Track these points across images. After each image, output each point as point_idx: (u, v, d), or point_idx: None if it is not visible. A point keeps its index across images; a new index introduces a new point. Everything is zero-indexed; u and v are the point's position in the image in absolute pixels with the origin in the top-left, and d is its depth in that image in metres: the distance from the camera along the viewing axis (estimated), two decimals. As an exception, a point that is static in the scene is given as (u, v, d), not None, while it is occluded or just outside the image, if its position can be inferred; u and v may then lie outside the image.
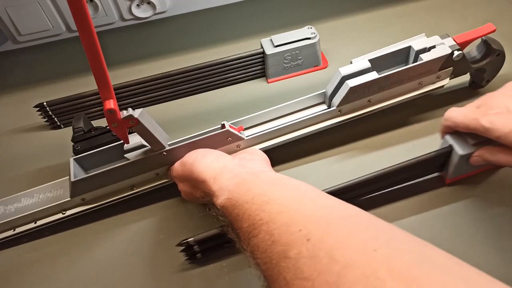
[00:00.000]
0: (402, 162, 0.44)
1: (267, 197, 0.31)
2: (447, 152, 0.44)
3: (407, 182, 0.47)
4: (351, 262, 0.22)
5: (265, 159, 0.44)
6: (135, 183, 0.48)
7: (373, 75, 0.48)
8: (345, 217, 0.27)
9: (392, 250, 0.22)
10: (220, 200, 0.36)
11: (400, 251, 0.22)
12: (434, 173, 0.48)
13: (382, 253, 0.22)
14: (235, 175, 0.37)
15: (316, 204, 0.29)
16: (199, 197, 0.42)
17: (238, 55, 0.62)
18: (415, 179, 0.47)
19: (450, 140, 0.44)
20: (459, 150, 0.42)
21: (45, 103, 0.59)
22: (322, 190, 0.36)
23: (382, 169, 0.44)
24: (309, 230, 0.26)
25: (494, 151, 0.40)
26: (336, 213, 0.27)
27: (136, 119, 0.38)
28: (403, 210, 0.46)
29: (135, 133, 0.42)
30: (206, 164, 0.41)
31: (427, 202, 0.47)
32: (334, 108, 0.49)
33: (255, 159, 0.43)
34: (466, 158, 0.43)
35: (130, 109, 0.38)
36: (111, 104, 0.35)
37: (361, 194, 0.45)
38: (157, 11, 0.77)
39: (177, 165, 0.44)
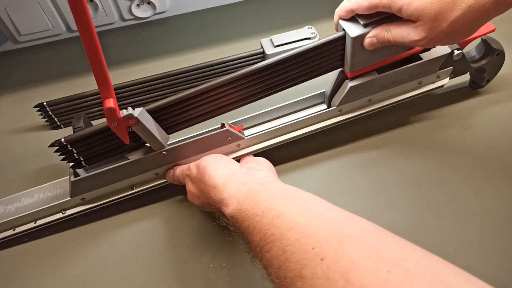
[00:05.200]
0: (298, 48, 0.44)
1: (277, 211, 0.32)
2: (341, 38, 0.43)
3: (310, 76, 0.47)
4: (367, 286, 0.23)
5: (271, 168, 0.44)
6: (134, 182, 0.48)
7: (373, 75, 0.48)
8: (355, 234, 0.27)
9: (404, 272, 0.23)
10: (230, 210, 0.36)
11: (413, 272, 0.23)
12: (337, 67, 0.47)
13: (395, 275, 0.22)
14: (243, 183, 0.38)
15: (325, 218, 0.30)
16: (203, 202, 0.42)
17: (238, 55, 0.62)
18: (319, 74, 0.47)
19: (343, 24, 0.43)
20: (351, 32, 0.42)
21: (45, 103, 0.59)
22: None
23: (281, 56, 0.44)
24: (321, 249, 0.26)
25: (390, 27, 0.40)
26: (345, 229, 0.28)
27: (136, 118, 0.38)
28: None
29: None
30: (217, 169, 0.41)
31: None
32: (334, 107, 0.49)
33: (261, 169, 0.43)
34: (359, 41, 0.42)
35: (130, 108, 0.38)
36: (111, 103, 0.35)
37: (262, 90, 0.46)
38: (157, 11, 0.77)
39: (193, 165, 0.44)
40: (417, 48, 0.47)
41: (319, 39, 0.44)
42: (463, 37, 0.38)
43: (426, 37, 0.38)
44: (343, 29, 0.43)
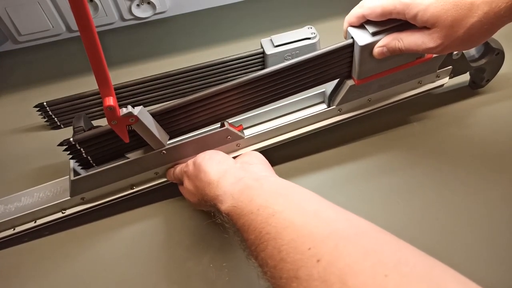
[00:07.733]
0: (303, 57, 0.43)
1: (272, 209, 0.31)
2: (350, 45, 0.42)
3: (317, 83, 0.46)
4: None
5: (265, 162, 0.44)
6: (134, 182, 0.48)
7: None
8: (352, 235, 0.27)
9: (402, 277, 0.22)
10: (225, 206, 0.36)
11: (411, 278, 0.22)
12: (345, 74, 0.47)
13: (392, 279, 0.22)
14: (238, 179, 0.38)
15: (321, 218, 0.29)
16: (199, 200, 0.42)
17: (238, 55, 0.62)
18: (326, 81, 0.47)
19: (351, 32, 0.42)
20: (360, 41, 0.41)
21: (45, 103, 0.59)
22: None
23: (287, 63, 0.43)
24: (317, 250, 0.26)
25: (401, 36, 0.40)
26: (342, 230, 0.28)
27: (136, 116, 0.38)
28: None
29: None
30: (212, 165, 0.41)
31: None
32: (334, 107, 0.49)
33: (255, 163, 0.43)
34: (368, 50, 0.42)
35: (129, 106, 0.38)
36: (111, 101, 0.35)
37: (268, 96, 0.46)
38: (157, 11, 0.78)
39: (190, 162, 0.44)
40: (428, 56, 0.47)
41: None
42: (477, 43, 0.38)
43: (442, 44, 0.38)
44: (352, 37, 0.42)
